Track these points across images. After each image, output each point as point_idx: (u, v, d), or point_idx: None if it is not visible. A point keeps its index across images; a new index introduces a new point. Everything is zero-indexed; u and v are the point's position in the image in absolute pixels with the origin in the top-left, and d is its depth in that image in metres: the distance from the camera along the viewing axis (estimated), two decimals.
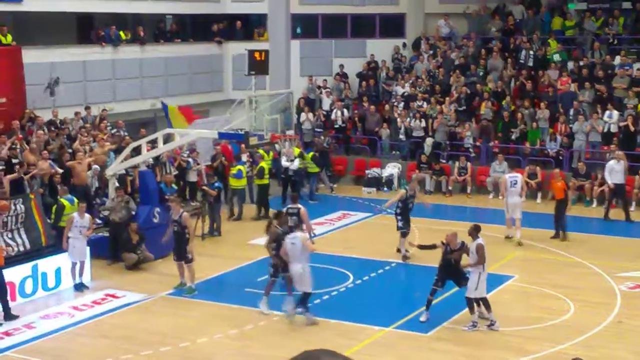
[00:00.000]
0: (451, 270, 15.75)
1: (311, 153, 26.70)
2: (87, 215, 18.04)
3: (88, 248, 18.17)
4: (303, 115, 29.74)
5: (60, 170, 21.21)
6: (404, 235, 19.63)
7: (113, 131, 24.72)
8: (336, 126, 30.06)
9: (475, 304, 15.31)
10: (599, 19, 30.57)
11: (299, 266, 15.50)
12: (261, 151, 25.19)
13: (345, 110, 30.12)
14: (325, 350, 2.96)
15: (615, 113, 26.57)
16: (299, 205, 18.03)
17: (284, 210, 17.98)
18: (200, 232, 21.84)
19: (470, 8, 32.97)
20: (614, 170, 23.63)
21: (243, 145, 24.06)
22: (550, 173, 23.02)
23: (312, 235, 17.85)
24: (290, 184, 25.80)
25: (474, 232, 15.63)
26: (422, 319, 15.74)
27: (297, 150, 25.97)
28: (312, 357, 2.95)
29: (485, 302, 15.35)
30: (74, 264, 17.80)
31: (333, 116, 30.12)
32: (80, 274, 17.95)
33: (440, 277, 15.65)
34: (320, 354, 2.96)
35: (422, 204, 20.97)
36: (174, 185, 22.67)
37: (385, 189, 27.73)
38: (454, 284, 15.86)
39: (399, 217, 19.80)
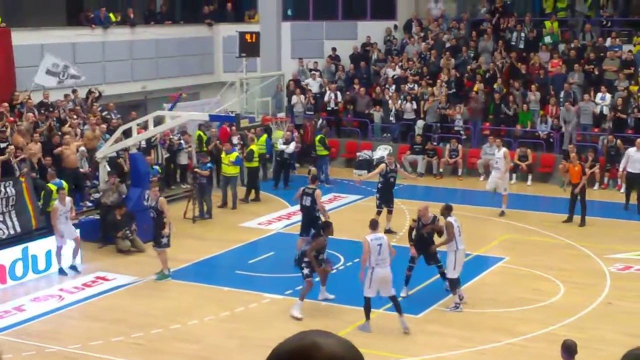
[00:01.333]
0: (422, 246, 15.92)
1: (319, 136, 26.58)
2: (67, 199, 18.01)
3: (78, 230, 18.14)
4: (294, 98, 29.68)
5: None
6: (379, 213, 19.43)
7: (103, 113, 24.61)
8: (329, 108, 30.00)
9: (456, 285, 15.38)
10: (588, 1, 30.50)
11: (388, 269, 14.48)
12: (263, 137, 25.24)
13: (338, 93, 30.04)
14: (320, 330, 2.96)
15: (608, 96, 26.57)
16: (315, 187, 17.87)
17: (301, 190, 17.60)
18: (191, 215, 21.85)
19: None
20: (632, 159, 22.76)
21: (234, 128, 23.96)
22: (565, 161, 22.71)
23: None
24: (285, 168, 25.78)
25: (446, 211, 15.67)
26: (403, 294, 15.87)
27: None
28: (307, 337, 2.95)
29: (452, 282, 15.39)
30: (59, 248, 17.70)
31: (326, 98, 30.05)
32: (74, 256, 17.92)
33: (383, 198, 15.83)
34: (315, 334, 2.96)
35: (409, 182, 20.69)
36: (156, 167, 22.33)
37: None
38: (424, 260, 16.00)
39: (378, 195, 19.84)
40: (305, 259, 15.16)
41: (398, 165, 20.74)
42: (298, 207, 18.65)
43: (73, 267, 17.98)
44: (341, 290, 16.42)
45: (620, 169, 23.34)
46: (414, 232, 16.14)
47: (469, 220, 21.36)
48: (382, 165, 20.36)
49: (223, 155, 23.43)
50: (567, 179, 21.89)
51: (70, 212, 18.01)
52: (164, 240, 17.22)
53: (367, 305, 14.50)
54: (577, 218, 21.21)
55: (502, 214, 22.05)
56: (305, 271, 15.16)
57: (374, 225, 14.94)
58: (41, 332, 14.81)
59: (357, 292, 16.35)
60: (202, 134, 25.17)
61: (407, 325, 14.44)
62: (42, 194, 19.06)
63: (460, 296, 15.33)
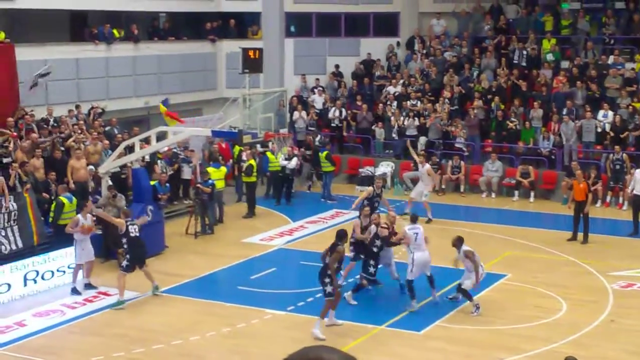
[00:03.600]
0: (361, 250, 17.03)
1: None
2: (88, 215, 17.86)
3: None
4: (296, 114, 29.75)
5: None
6: None
7: (106, 129, 24.66)
8: (333, 125, 30.04)
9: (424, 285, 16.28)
10: (592, 19, 30.60)
11: (427, 253, 16.40)
12: (269, 154, 25.30)
13: (343, 110, 30.07)
14: (325, 346, 2.96)
15: (610, 113, 26.59)
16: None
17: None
18: (193, 231, 21.85)
19: (459, 7, 32.96)
20: (638, 180, 22.26)
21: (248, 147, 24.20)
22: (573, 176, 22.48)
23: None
24: (287, 183, 25.82)
25: (458, 242, 16.30)
26: (364, 282, 16.68)
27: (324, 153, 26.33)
28: (312, 352, 2.95)
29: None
30: (78, 266, 17.55)
31: (330, 115, 30.10)
32: (88, 275, 17.77)
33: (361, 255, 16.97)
34: (320, 350, 2.96)
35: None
36: (167, 185, 22.41)
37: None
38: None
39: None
40: (328, 272, 15.01)
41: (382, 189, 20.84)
42: (300, 223, 18.59)
43: (88, 285, 17.74)
44: (343, 307, 16.39)
45: (629, 191, 22.96)
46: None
47: (472, 236, 21.36)
48: (370, 189, 20.24)
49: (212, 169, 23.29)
50: (570, 197, 21.84)
51: (90, 227, 17.69)
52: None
53: (411, 287, 16.12)
54: (580, 235, 21.17)
55: (429, 221, 22.43)
56: (328, 289, 14.97)
57: (413, 219, 16.93)
58: (42, 347, 14.77)
59: (359, 309, 16.35)
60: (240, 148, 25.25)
61: (436, 298, 16.37)
62: (53, 207, 19.05)
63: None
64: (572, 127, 26.34)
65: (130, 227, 16.89)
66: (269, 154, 25.40)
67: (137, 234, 17.01)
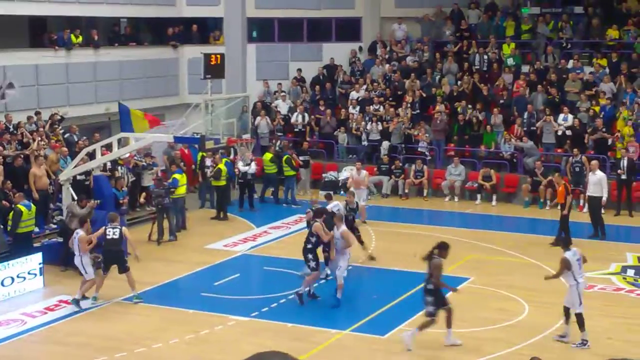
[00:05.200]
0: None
1: (286, 156, 26.59)
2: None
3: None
4: (258, 119, 29.74)
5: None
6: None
7: (66, 136, 24.42)
8: (296, 130, 30.05)
9: None
10: (550, 24, 30.95)
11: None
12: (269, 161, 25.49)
13: (305, 115, 30.13)
14: (277, 352, 2.95)
15: (570, 116, 26.90)
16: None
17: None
18: (155, 237, 21.71)
19: (422, 12, 33.14)
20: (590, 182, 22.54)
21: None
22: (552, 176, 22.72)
23: None
24: (248, 188, 25.76)
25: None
26: (300, 273, 17.16)
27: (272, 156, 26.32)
28: (264, 359, 2.93)
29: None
30: (91, 281, 17.10)
31: (293, 119, 30.11)
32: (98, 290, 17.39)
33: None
34: (272, 355, 2.95)
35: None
36: (124, 189, 22.10)
37: (342, 192, 27.69)
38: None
39: None
40: (429, 287, 14.61)
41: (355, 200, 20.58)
42: (264, 229, 18.42)
43: (95, 298, 17.27)
44: (306, 312, 16.38)
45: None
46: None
47: (435, 240, 21.44)
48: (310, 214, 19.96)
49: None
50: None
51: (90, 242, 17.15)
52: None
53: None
54: (547, 238, 21.28)
55: (363, 222, 22.57)
56: (430, 309, 14.55)
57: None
58: (3, 357, 14.56)
59: (323, 314, 16.34)
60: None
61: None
62: (11, 215, 18.81)
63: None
64: (531, 146, 26.59)
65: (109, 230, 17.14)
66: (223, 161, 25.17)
67: (115, 237, 17.11)
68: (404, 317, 16.01)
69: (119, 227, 17.36)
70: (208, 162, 25.16)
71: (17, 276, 17.70)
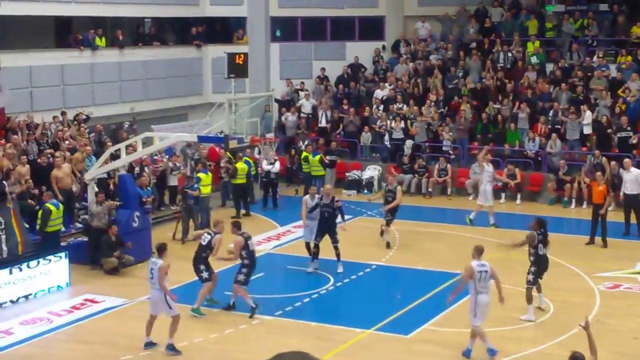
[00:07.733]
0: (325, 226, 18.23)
1: (318, 156, 26.62)
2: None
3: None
4: (288, 114, 29.94)
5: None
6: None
7: (91, 135, 24.59)
8: (320, 125, 30.10)
9: None
10: (577, 21, 30.76)
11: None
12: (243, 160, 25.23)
13: (329, 112, 30.17)
14: (298, 352, 2.95)
15: (589, 113, 26.70)
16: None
17: None
18: (180, 236, 21.80)
19: (445, 11, 33.02)
20: (624, 180, 22.31)
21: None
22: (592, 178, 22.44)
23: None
24: (272, 187, 25.81)
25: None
26: (309, 270, 17.79)
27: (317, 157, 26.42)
28: (284, 359, 2.94)
29: None
30: (153, 317, 14.95)
31: (320, 119, 30.16)
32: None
33: (319, 231, 18.06)
34: (292, 356, 2.95)
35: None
36: (149, 188, 22.17)
37: (366, 191, 27.73)
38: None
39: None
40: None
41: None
42: (288, 227, 18.38)
43: (170, 346, 14.63)
44: (330, 311, 16.40)
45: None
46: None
47: (459, 239, 21.42)
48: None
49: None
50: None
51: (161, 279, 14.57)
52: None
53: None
54: (597, 239, 21.19)
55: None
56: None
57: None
58: (29, 355, 14.70)
59: (346, 313, 16.35)
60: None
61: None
62: (40, 214, 18.94)
63: None
64: (558, 144, 26.45)
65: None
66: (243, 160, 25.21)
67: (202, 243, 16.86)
68: (428, 316, 15.98)
69: (212, 234, 16.95)
70: (222, 162, 25.33)
71: (44, 274, 17.85)
